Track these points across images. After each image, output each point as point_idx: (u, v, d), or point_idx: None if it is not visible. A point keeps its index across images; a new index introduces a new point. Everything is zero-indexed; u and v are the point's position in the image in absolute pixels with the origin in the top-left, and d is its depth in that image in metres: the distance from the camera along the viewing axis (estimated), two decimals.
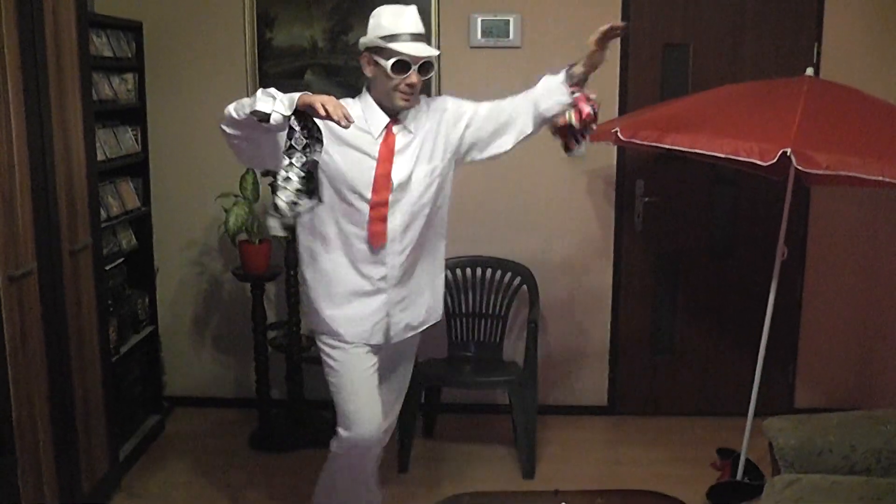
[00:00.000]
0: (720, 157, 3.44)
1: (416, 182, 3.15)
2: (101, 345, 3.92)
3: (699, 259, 5.01)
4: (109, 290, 4.25)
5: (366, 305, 3.23)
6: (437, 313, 3.49)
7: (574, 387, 5.10)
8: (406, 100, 3.07)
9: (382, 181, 3.09)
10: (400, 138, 3.13)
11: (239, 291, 5.04)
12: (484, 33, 4.71)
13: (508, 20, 4.72)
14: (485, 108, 3.25)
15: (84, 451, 3.73)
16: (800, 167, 3.22)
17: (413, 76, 3.02)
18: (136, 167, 4.68)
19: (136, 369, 4.67)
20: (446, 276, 4.72)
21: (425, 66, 3.05)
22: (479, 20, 4.70)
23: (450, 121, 3.23)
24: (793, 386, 5.08)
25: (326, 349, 3.28)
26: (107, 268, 4.17)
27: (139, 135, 4.70)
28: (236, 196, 4.46)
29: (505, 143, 3.26)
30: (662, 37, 4.77)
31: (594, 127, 3.10)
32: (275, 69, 4.84)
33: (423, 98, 3.23)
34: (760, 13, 4.72)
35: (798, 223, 4.82)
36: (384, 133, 3.12)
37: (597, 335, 5.04)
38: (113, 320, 4.26)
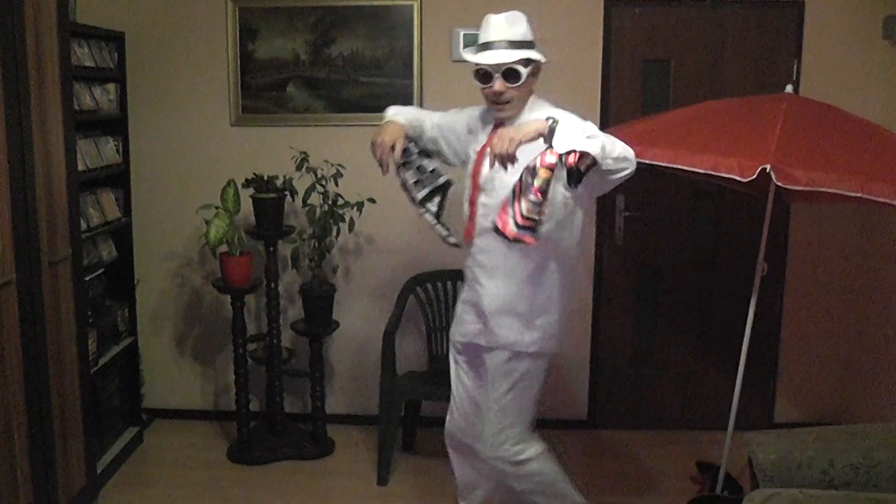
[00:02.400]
0: (700, 173, 3.46)
1: (501, 187, 3.05)
2: (79, 356, 3.89)
3: (680, 274, 5.03)
4: (89, 301, 4.23)
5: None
6: (515, 341, 3.26)
7: (554, 401, 5.09)
8: (500, 109, 3.10)
9: (473, 180, 3.20)
10: None
11: (219, 303, 5.03)
12: (466, 47, 4.72)
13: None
14: None
15: (61, 464, 3.70)
16: (779, 183, 3.24)
17: (497, 84, 3.03)
18: (118, 178, 4.66)
19: (115, 381, 4.64)
20: (427, 290, 4.75)
21: (511, 73, 3.01)
22: (462, 34, 4.71)
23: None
24: (772, 400, 5.10)
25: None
26: (87, 279, 4.14)
27: (120, 145, 4.68)
28: (217, 208, 4.44)
29: None
30: (643, 52, 4.80)
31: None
32: (257, 81, 4.84)
33: (543, 105, 3.19)
34: (741, 30, 4.76)
35: (778, 239, 4.85)
36: (489, 135, 3.18)
37: (577, 349, 5.05)
38: (92, 332, 4.23)
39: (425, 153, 3.39)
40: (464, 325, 3.38)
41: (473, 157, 3.26)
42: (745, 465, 3.28)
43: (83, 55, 4.27)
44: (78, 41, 4.22)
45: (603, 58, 4.78)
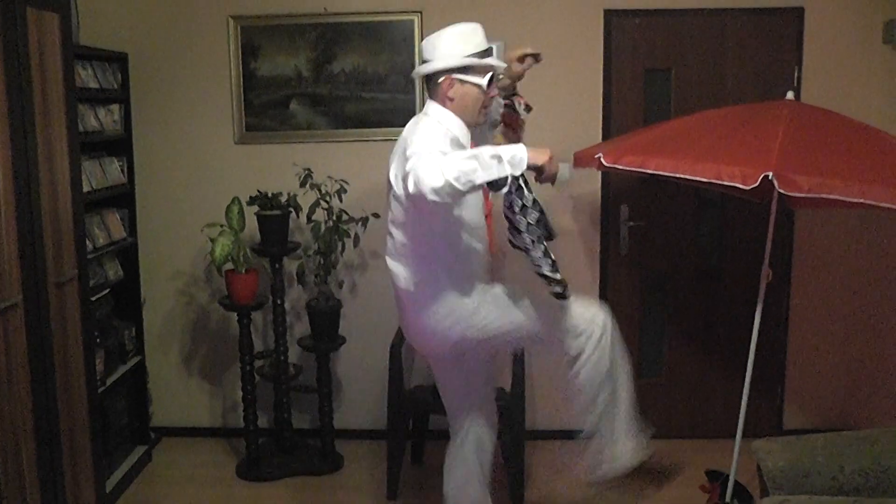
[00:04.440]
0: (703, 181, 3.46)
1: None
2: (87, 376, 3.90)
3: (685, 282, 5.03)
4: (96, 321, 4.24)
5: None
6: None
7: (562, 411, 5.09)
8: (486, 113, 3.19)
9: (485, 192, 3.20)
10: None
11: (226, 321, 5.03)
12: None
13: (492, 48, 4.71)
14: None
15: (70, 483, 3.70)
16: (782, 190, 3.24)
17: (494, 88, 3.16)
18: (123, 198, 4.68)
19: (122, 400, 4.65)
20: None
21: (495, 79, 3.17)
22: None
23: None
24: (781, 407, 5.09)
25: None
26: (93, 299, 4.15)
27: (125, 165, 4.70)
28: (222, 226, 4.46)
29: None
30: (645, 61, 4.82)
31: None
32: (260, 99, 4.86)
33: None
34: (741, 37, 4.77)
35: (783, 245, 4.85)
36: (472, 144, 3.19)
37: None
38: (100, 351, 4.24)
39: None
40: None
41: None
42: (754, 472, 3.27)
43: (87, 76, 4.29)
44: (82, 63, 4.25)
45: (604, 67, 4.79)
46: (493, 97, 3.16)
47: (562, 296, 3.01)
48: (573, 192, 4.87)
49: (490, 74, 3.09)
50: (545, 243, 2.92)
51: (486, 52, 3.12)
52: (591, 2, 4.74)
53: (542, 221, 2.88)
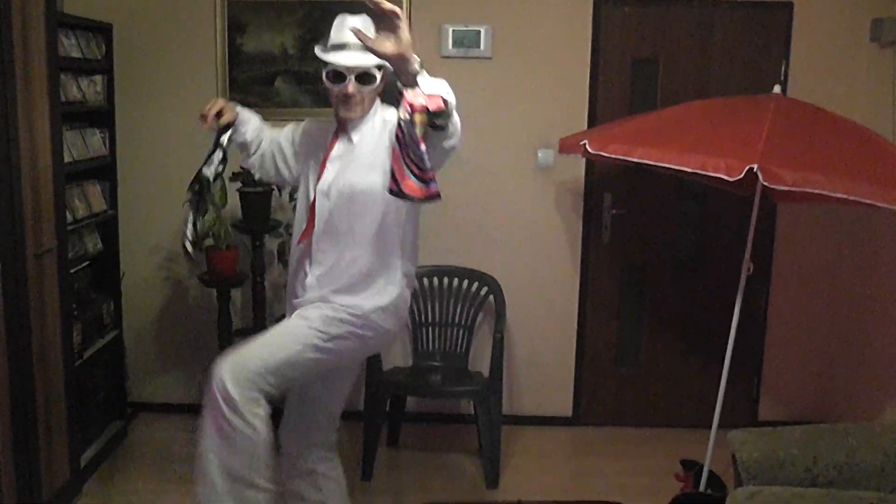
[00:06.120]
0: (688, 172, 3.47)
1: (336, 194, 3.02)
2: (64, 349, 3.87)
3: (666, 272, 5.04)
4: (74, 293, 4.21)
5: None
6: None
7: (539, 398, 5.11)
8: (347, 110, 3.00)
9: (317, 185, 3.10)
10: (338, 147, 3.08)
11: (205, 297, 5.01)
12: (455, 43, 4.72)
13: (479, 31, 4.73)
14: None
15: (45, 457, 3.68)
16: (766, 183, 3.25)
17: (349, 86, 2.95)
18: (104, 170, 4.64)
19: (99, 374, 4.62)
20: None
21: (366, 76, 2.96)
22: (451, 30, 4.71)
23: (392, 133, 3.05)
24: (757, 399, 5.12)
25: None
26: (72, 271, 4.12)
27: (107, 137, 4.66)
28: None
29: None
30: (632, 51, 4.81)
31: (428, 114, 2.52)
32: (245, 75, 4.83)
33: (387, 109, 3.10)
34: (729, 30, 4.77)
35: (764, 238, 4.87)
36: (331, 141, 3.10)
37: (562, 346, 5.06)
38: (77, 324, 4.21)
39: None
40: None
41: (317, 164, 3.13)
42: (728, 462, 3.30)
43: (70, 46, 4.24)
44: (65, 32, 4.20)
45: (592, 57, 4.79)
46: (350, 94, 2.96)
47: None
48: (556, 179, 4.88)
49: (328, 70, 2.98)
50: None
51: (337, 47, 2.97)
52: None
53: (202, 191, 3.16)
